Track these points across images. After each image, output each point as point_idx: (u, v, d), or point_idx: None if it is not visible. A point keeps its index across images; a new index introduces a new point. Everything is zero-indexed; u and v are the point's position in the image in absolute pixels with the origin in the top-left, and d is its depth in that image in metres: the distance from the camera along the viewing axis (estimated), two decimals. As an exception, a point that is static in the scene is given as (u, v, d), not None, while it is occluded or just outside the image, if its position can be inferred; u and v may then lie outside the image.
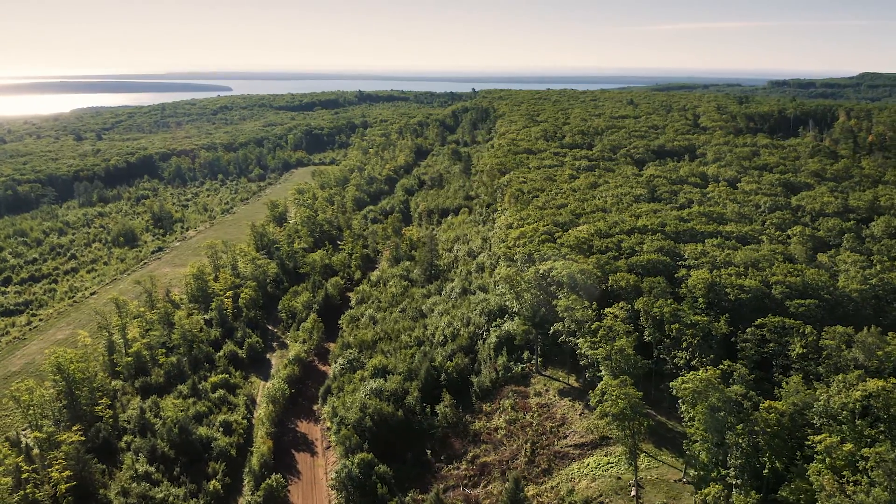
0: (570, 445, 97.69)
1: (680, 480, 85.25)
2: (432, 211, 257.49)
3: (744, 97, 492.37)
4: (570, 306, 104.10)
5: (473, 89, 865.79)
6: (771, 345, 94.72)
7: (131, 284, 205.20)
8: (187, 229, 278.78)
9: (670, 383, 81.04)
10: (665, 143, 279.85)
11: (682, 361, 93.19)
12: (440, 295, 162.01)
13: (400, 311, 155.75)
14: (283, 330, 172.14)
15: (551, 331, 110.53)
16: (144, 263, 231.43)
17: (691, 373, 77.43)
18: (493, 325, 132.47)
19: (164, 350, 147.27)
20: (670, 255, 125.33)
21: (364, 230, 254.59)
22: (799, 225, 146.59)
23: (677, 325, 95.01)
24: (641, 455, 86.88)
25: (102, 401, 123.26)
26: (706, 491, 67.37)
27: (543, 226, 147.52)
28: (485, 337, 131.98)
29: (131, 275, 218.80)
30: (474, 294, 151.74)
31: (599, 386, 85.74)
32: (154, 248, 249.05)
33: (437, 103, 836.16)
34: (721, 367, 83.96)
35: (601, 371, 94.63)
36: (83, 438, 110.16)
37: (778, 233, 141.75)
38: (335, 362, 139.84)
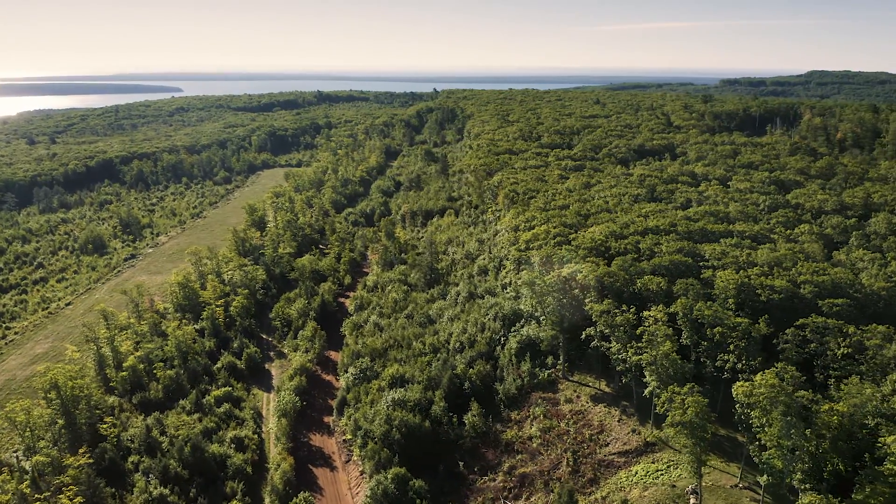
0: (614, 453, 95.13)
1: (736, 486, 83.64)
2: (416, 213, 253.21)
3: (707, 96, 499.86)
4: (607, 310, 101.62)
5: (435, 89, 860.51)
6: (812, 345, 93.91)
7: (108, 293, 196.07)
8: (158, 235, 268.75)
9: (732, 388, 79.02)
10: (644, 142, 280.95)
11: (729, 365, 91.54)
12: (444, 300, 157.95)
13: (406, 317, 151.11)
14: (278, 339, 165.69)
15: (583, 336, 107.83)
16: (118, 272, 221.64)
17: (759, 377, 75.50)
18: (512, 330, 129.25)
19: (161, 363, 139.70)
20: (690, 256, 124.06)
21: (348, 233, 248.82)
22: (805, 223, 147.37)
23: (720, 329, 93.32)
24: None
25: (107, 419, 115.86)
26: (804, 500, 65.45)
27: (554, 227, 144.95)
28: (503, 342, 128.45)
29: (105, 284, 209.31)
30: (482, 298, 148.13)
31: (662, 394, 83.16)
32: (126, 255, 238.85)
33: (397, 103, 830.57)
34: (774, 369, 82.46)
35: (646, 377, 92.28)
36: (92, 461, 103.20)
37: (788, 231, 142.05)
38: (345, 372, 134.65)
